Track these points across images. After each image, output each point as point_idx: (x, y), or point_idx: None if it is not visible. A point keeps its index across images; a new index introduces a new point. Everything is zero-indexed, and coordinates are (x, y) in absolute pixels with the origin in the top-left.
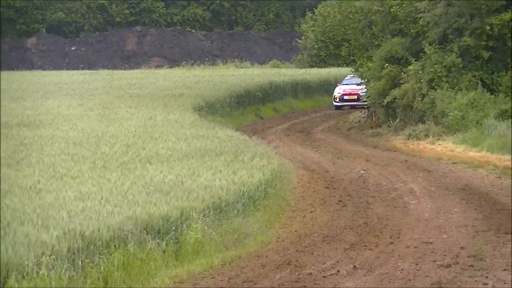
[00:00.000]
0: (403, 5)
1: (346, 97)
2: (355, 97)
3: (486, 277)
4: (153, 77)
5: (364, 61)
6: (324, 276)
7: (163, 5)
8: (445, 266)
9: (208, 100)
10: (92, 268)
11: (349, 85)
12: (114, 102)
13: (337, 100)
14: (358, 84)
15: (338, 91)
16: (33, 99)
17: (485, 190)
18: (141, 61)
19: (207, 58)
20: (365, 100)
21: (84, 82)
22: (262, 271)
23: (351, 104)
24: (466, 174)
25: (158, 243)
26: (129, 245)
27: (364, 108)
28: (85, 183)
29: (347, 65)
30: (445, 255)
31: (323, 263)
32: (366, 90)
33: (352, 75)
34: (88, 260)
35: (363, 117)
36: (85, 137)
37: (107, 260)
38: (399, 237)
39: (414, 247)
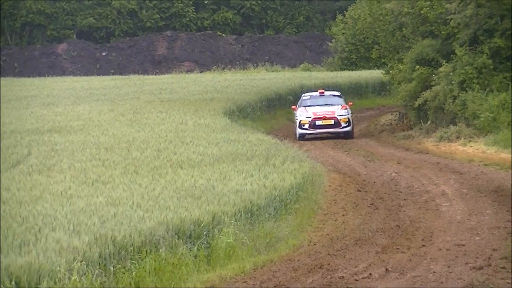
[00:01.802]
0: (433, 6)
1: (319, 122)
2: (332, 121)
3: None
4: (183, 81)
5: (395, 63)
6: (356, 280)
7: (193, 10)
8: (477, 268)
9: (239, 104)
10: (124, 273)
11: (320, 107)
12: (145, 107)
13: (305, 127)
14: (330, 105)
15: (306, 114)
16: (64, 105)
17: None
18: (172, 65)
19: (237, 62)
20: (347, 124)
21: (115, 88)
22: (294, 275)
23: (327, 131)
24: (498, 175)
25: (190, 248)
26: (160, 250)
27: (347, 136)
28: (116, 189)
29: (378, 68)
30: (477, 257)
31: (355, 266)
32: (348, 110)
33: (315, 93)
34: (119, 265)
35: (395, 120)
36: (116, 143)
37: (138, 265)
38: (431, 240)
39: (446, 250)
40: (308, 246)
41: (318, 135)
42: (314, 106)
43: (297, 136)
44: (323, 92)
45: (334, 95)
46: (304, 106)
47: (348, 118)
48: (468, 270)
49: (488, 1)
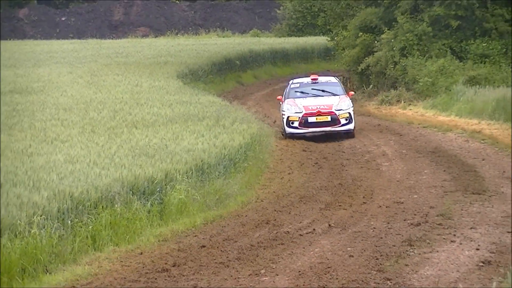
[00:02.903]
0: None
1: (312, 119)
2: (328, 118)
3: (454, 235)
4: (139, 46)
5: (340, 30)
6: (301, 234)
7: None
8: (415, 225)
9: (191, 67)
10: (81, 227)
11: (313, 98)
12: (102, 70)
13: (295, 124)
14: (326, 95)
15: (295, 109)
16: (25, 67)
17: (453, 153)
18: (128, 30)
19: (190, 28)
20: (347, 121)
21: (74, 51)
22: (242, 229)
23: (323, 130)
24: (435, 137)
25: (144, 203)
26: (116, 205)
27: (349, 131)
28: (74, 147)
29: (323, 34)
30: (415, 214)
31: (300, 222)
32: (348, 102)
33: (306, 80)
34: (77, 219)
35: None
36: (75, 103)
37: (95, 219)
38: (372, 197)
39: (386, 207)
40: (256, 203)
41: (312, 135)
42: (305, 97)
43: (285, 135)
44: (316, 79)
45: (331, 82)
46: (292, 98)
47: (349, 113)
48: (406, 226)
49: None
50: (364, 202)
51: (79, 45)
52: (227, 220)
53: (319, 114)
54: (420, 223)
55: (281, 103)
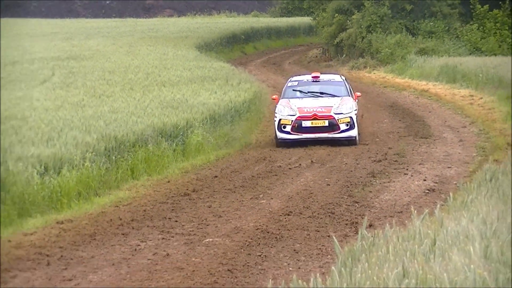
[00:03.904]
0: None
1: (306, 124)
2: (326, 122)
3: (407, 169)
4: (165, 24)
5: (320, 12)
6: (290, 168)
7: None
8: (377, 161)
9: (206, 40)
10: (122, 162)
11: (312, 99)
12: (137, 42)
13: (287, 129)
14: (327, 96)
15: (289, 111)
16: (78, 39)
17: (407, 107)
18: (157, 12)
19: (205, 10)
20: (348, 127)
21: (116, 28)
22: (245, 164)
23: (319, 137)
24: (393, 95)
25: (170, 144)
26: (149, 145)
27: (351, 139)
28: (116, 101)
29: (307, 15)
30: (377, 154)
31: (289, 159)
32: (351, 105)
33: (306, 78)
34: (119, 156)
35: (319, 53)
36: (117, 67)
37: (133, 156)
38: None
39: (355, 148)
40: (255, 144)
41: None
42: (303, 97)
43: (276, 141)
44: (317, 77)
45: (335, 81)
46: (287, 98)
47: (351, 117)
48: (370, 163)
49: None
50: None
51: (120, 23)
52: (233, 157)
53: (315, 117)
54: (380, 160)
55: (276, 104)
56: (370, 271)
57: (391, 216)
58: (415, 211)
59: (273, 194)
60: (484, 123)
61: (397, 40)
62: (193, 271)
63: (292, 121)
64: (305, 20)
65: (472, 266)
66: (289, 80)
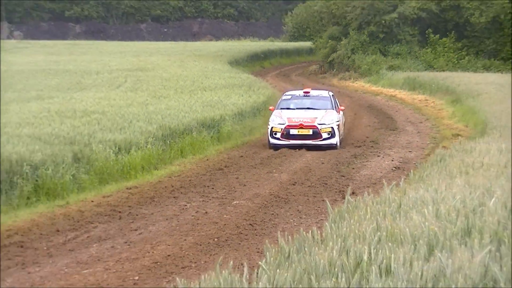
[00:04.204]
0: (338, 7)
1: (293, 132)
2: (310, 131)
3: (379, 153)
4: (207, 46)
5: (318, 38)
6: (295, 151)
7: (213, 7)
8: (358, 146)
9: (235, 58)
10: (174, 145)
11: (300, 111)
12: (186, 58)
13: (277, 136)
14: (314, 109)
15: (279, 120)
16: (144, 56)
17: (380, 107)
18: (201, 37)
19: (235, 36)
20: (330, 135)
21: (171, 48)
22: (263, 147)
23: (304, 143)
24: (370, 98)
25: (208, 132)
26: (193, 133)
27: (332, 146)
28: (170, 101)
29: (309, 40)
30: (358, 141)
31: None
32: (334, 117)
33: (298, 92)
34: (172, 141)
35: (317, 68)
36: (171, 77)
37: (182, 141)
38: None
39: (347, 137)
40: None
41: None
42: (294, 109)
43: (269, 145)
44: (308, 92)
45: (322, 97)
46: (280, 109)
47: (332, 127)
48: (353, 147)
49: (366, 8)
50: None
51: (174, 45)
52: (254, 142)
53: (301, 127)
54: (360, 146)
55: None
56: (353, 226)
57: (368, 186)
58: (386, 183)
59: (283, 169)
60: (435, 120)
61: (373, 59)
62: (224, 224)
63: (282, 129)
64: (307, 44)
65: (426, 223)
66: (284, 94)
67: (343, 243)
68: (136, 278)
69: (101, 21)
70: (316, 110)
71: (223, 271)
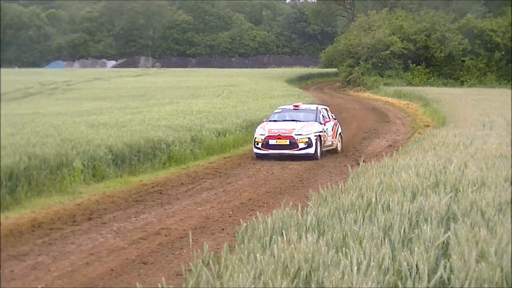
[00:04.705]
0: (353, 47)
1: (272, 142)
2: (287, 141)
3: (379, 136)
4: (272, 71)
5: (340, 66)
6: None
7: (276, 45)
8: (365, 132)
9: (290, 78)
10: (252, 131)
11: (282, 123)
12: (259, 79)
13: (259, 145)
14: (296, 121)
15: (261, 131)
16: (233, 78)
17: (378, 108)
18: (268, 65)
19: (289, 64)
20: (306, 145)
21: (250, 72)
22: None
23: (282, 153)
24: (372, 103)
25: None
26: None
27: (309, 156)
28: (250, 104)
29: (334, 67)
30: (365, 130)
31: None
32: (314, 128)
33: (289, 106)
34: (251, 129)
35: (340, 85)
36: (251, 90)
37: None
38: (349, 124)
39: (355, 127)
40: None
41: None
42: (280, 121)
43: (253, 153)
44: (298, 106)
45: (309, 110)
46: (268, 121)
47: (309, 137)
48: (362, 133)
49: (368, 47)
50: (347, 125)
51: (251, 71)
52: None
53: (279, 137)
54: (367, 132)
55: None
56: (365, 181)
57: (373, 157)
58: (384, 154)
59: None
60: (413, 116)
61: (374, 79)
62: (284, 180)
63: (262, 139)
64: (334, 69)
65: (411, 179)
66: (275, 108)
67: (359, 191)
68: (230, 212)
69: (208, 57)
70: (298, 122)
71: (286, 208)
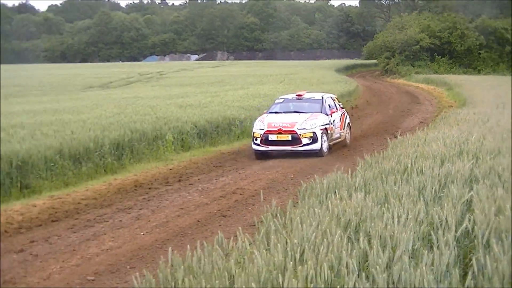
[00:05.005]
0: (389, 42)
1: (272, 137)
2: (289, 137)
3: (412, 115)
4: (324, 63)
5: (379, 58)
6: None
7: (327, 41)
8: (400, 111)
9: (338, 68)
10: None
11: (284, 115)
12: (314, 69)
13: (257, 141)
14: (299, 113)
15: (260, 125)
16: (292, 68)
17: (412, 92)
18: (320, 58)
19: (340, 58)
20: (311, 141)
21: (306, 63)
22: (357, 110)
23: (283, 149)
24: (407, 88)
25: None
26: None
27: (314, 152)
28: (307, 89)
29: (374, 59)
30: (400, 109)
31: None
32: (319, 121)
33: (291, 96)
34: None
35: (379, 73)
36: (306, 77)
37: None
38: (388, 103)
39: (393, 107)
40: (359, 106)
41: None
42: (279, 113)
43: (253, 152)
44: (301, 95)
45: (313, 99)
46: (267, 113)
47: (314, 132)
48: (399, 112)
49: (402, 43)
50: (385, 105)
51: (306, 62)
52: (347, 109)
53: (279, 132)
54: (402, 111)
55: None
56: (402, 150)
57: (408, 131)
58: (417, 129)
59: (363, 122)
60: (439, 98)
61: (407, 68)
62: (335, 150)
63: (261, 134)
64: (374, 61)
65: (439, 148)
66: (276, 98)
67: (397, 158)
68: (292, 176)
69: (271, 51)
70: (301, 113)
71: (338, 172)
